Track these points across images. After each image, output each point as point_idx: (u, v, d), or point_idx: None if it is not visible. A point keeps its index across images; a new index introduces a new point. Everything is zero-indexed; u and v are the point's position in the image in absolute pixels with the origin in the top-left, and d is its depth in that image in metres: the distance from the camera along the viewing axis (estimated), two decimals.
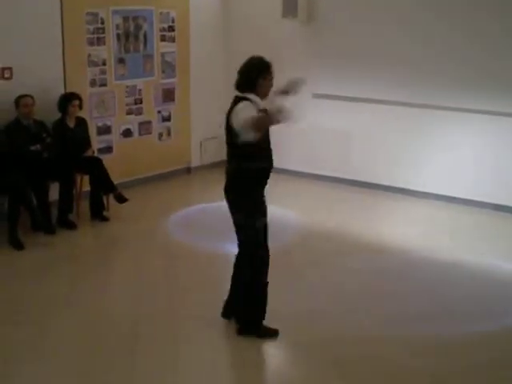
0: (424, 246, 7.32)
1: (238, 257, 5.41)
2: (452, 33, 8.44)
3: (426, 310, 5.91)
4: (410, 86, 8.75)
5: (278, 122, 4.87)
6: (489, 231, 7.88)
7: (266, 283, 5.36)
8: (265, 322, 5.40)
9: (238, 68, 5.31)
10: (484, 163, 8.50)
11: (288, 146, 9.98)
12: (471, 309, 5.98)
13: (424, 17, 8.58)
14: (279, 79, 9.91)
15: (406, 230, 7.78)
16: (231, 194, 5.24)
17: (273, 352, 5.38)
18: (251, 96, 5.10)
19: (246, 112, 4.91)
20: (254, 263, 5.28)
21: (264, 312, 5.37)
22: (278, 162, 10.10)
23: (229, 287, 5.57)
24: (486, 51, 8.25)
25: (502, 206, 8.41)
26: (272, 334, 5.37)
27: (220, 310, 5.66)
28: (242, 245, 5.32)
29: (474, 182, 8.57)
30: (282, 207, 8.55)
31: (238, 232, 5.29)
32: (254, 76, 5.19)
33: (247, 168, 5.13)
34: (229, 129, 5.08)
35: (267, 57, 9.78)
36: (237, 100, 5.10)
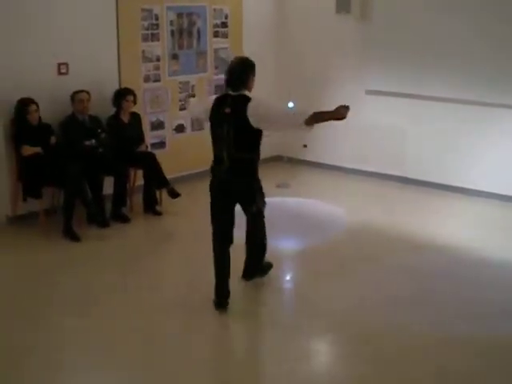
0: (476, 245, 7.21)
1: (253, 224, 6.05)
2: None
3: (478, 310, 5.83)
4: (465, 83, 8.62)
5: (342, 117, 5.30)
6: None
7: None
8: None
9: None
10: None
11: (341, 143, 9.97)
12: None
13: (487, 12, 8.42)
14: (333, 75, 9.95)
15: (458, 229, 7.68)
16: (247, 177, 5.73)
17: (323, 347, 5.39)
18: (247, 92, 5.53)
19: (276, 105, 5.71)
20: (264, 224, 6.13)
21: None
22: (330, 158, 10.22)
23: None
24: None
25: None
26: (269, 265, 6.34)
27: (268, 304, 5.67)
28: (259, 214, 6.01)
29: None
30: (334, 204, 8.54)
31: (251, 206, 5.86)
32: (248, 74, 5.57)
33: (259, 156, 5.80)
34: (244, 123, 5.41)
35: (321, 54, 9.88)
36: (241, 98, 5.46)
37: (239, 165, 5.60)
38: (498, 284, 6.38)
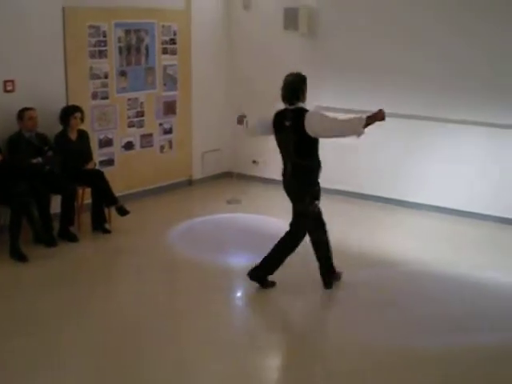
0: (424, 258, 7.30)
1: (297, 224, 6.44)
2: (456, 44, 8.47)
3: (426, 323, 5.89)
4: (411, 98, 8.77)
5: (383, 119, 5.97)
6: (489, 244, 7.86)
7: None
8: None
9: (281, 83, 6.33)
10: (485, 175, 8.51)
11: None
12: (472, 322, 5.96)
13: (427, 28, 8.62)
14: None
15: (407, 243, 7.77)
16: (303, 187, 6.28)
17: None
18: (302, 105, 6.15)
19: (330, 115, 6.14)
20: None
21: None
22: (278, 174, 10.21)
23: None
24: (491, 65, 8.28)
25: (503, 218, 8.41)
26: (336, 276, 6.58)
27: (221, 321, 5.66)
28: (299, 229, 6.44)
29: (476, 193, 8.57)
30: (284, 219, 8.54)
31: (300, 217, 6.36)
32: (301, 88, 6.19)
33: (318, 163, 6.27)
34: (302, 133, 6.02)
35: (269, 69, 9.97)
36: (298, 111, 6.08)
37: (300, 170, 6.21)
38: (449, 296, 6.46)
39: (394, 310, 6.12)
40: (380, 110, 5.96)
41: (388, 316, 6.03)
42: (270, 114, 6.35)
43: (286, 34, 9.57)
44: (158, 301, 6.27)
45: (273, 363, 5.46)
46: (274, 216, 8.71)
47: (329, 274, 6.48)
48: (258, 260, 6.94)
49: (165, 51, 9.42)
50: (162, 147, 9.63)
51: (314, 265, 6.57)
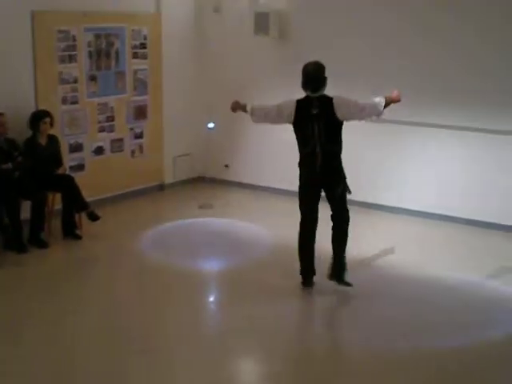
0: (395, 260, 7.34)
1: (337, 208, 6.49)
2: (428, 47, 8.53)
3: (398, 325, 5.92)
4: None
5: (399, 100, 6.30)
6: (459, 245, 7.92)
7: None
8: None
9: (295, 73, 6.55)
10: (455, 178, 8.58)
11: (262, 163, 10.03)
12: (442, 322, 5.99)
13: (401, 29, 8.68)
14: (254, 95, 10.04)
15: (379, 245, 7.80)
16: (337, 172, 6.39)
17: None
18: (325, 92, 6.33)
19: (353, 99, 6.32)
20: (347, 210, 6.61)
21: None
22: (252, 178, 10.28)
23: None
24: (465, 67, 8.33)
25: (472, 220, 8.48)
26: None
27: (193, 326, 5.67)
28: (342, 199, 6.47)
29: (445, 196, 8.64)
30: (256, 223, 8.56)
31: (336, 190, 6.40)
32: (324, 76, 6.36)
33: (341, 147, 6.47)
34: (332, 119, 6.22)
35: (240, 73, 10.00)
36: (324, 98, 6.28)
37: (330, 156, 6.31)
38: (419, 297, 6.50)
39: (365, 313, 6.14)
40: (396, 92, 6.27)
41: (359, 318, 6.05)
42: (288, 101, 6.41)
43: (257, 37, 9.57)
44: (130, 306, 6.24)
45: (247, 367, 5.45)
46: (246, 220, 8.72)
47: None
48: (229, 264, 6.97)
49: (135, 55, 9.39)
50: (132, 152, 9.58)
51: (290, 266, 6.57)
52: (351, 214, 6.59)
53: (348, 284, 6.51)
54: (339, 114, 6.23)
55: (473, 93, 8.29)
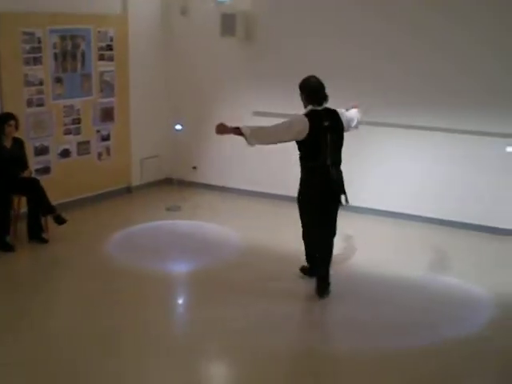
0: (365, 260, 7.39)
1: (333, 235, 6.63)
2: (403, 43, 8.57)
3: (366, 324, 5.96)
4: (346, 102, 8.80)
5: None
6: (430, 246, 8.00)
7: None
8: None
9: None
10: (425, 178, 8.68)
11: (230, 165, 10.03)
12: (411, 321, 6.05)
13: (368, 26, 8.72)
14: (221, 97, 10.05)
15: (348, 245, 7.84)
16: (342, 181, 6.54)
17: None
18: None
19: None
20: None
21: None
22: (220, 180, 10.29)
23: None
24: (437, 64, 8.40)
25: (440, 219, 8.58)
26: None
27: (162, 329, 5.66)
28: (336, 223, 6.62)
29: (416, 196, 8.74)
30: (225, 225, 8.56)
31: (342, 197, 6.57)
32: (325, 90, 6.46)
33: None
34: (341, 130, 6.50)
35: (207, 74, 9.99)
36: (330, 111, 6.45)
37: (337, 165, 6.50)
38: (389, 296, 6.55)
39: (335, 313, 6.17)
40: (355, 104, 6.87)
41: (329, 319, 6.08)
42: (297, 117, 6.36)
43: (224, 39, 9.57)
44: (97, 310, 6.19)
45: (217, 370, 5.45)
46: (214, 222, 8.71)
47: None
48: (197, 266, 6.97)
49: (101, 57, 9.32)
50: (99, 154, 9.52)
51: (259, 267, 6.58)
52: None
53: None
54: (346, 125, 6.53)
55: (449, 93, 8.40)
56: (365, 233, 8.39)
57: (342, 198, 6.54)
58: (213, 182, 10.26)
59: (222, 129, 6.41)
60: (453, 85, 8.31)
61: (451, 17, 8.23)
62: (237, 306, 6.29)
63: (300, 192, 6.54)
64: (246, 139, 6.38)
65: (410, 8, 8.45)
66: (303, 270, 6.92)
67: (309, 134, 6.27)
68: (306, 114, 6.34)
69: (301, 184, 6.53)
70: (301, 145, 6.39)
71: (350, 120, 6.69)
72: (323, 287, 6.48)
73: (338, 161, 6.47)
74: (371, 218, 8.90)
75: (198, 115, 10.20)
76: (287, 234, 7.91)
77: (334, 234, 6.60)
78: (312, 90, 6.40)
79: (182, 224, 8.69)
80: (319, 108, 6.37)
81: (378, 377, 5.15)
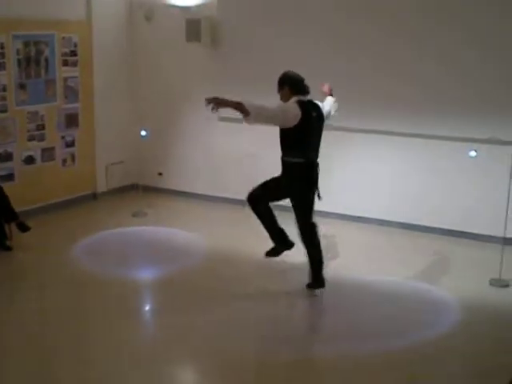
0: (334, 266, 7.40)
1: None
2: (381, 41, 8.54)
3: (335, 331, 5.98)
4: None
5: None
6: (399, 250, 8.04)
7: None
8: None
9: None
10: (392, 183, 8.74)
11: (196, 170, 10.02)
12: (381, 328, 6.08)
13: (337, 25, 8.74)
14: (187, 103, 10.01)
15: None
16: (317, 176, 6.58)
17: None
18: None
19: None
20: None
21: None
22: (186, 186, 10.25)
23: None
24: (419, 68, 8.34)
25: (409, 224, 8.64)
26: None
27: (127, 336, 5.64)
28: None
29: (384, 201, 8.80)
30: (191, 231, 8.54)
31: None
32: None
33: None
34: (323, 122, 6.60)
35: (172, 80, 9.95)
36: (313, 102, 6.52)
37: (317, 157, 6.57)
38: (358, 303, 6.59)
39: (305, 321, 6.18)
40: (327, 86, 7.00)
41: (299, 327, 6.08)
42: (289, 103, 6.38)
43: (189, 45, 9.55)
44: (63, 319, 6.13)
45: (185, 377, 5.43)
46: (180, 228, 8.69)
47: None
48: (164, 273, 6.95)
49: (65, 63, 9.24)
50: (64, 161, 9.44)
51: (225, 273, 6.56)
52: (285, 221, 6.65)
53: None
54: (326, 116, 6.66)
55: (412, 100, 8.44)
56: (337, 238, 8.39)
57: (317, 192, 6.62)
58: (179, 188, 10.23)
59: (220, 101, 6.11)
60: (437, 90, 8.32)
61: (434, 17, 8.18)
62: (203, 312, 6.27)
63: (291, 185, 6.54)
64: (247, 117, 6.14)
65: (387, 7, 8.44)
66: (269, 252, 6.88)
67: (300, 122, 6.26)
68: (297, 101, 6.32)
69: (286, 174, 6.53)
70: (288, 134, 6.33)
71: (328, 113, 6.80)
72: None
73: (318, 153, 6.57)
74: (345, 224, 8.92)
75: (163, 121, 10.17)
76: (254, 240, 7.91)
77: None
78: (295, 81, 6.46)
79: (148, 230, 8.66)
80: (305, 99, 6.41)
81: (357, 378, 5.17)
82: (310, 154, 6.47)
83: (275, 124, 6.38)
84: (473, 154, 7.56)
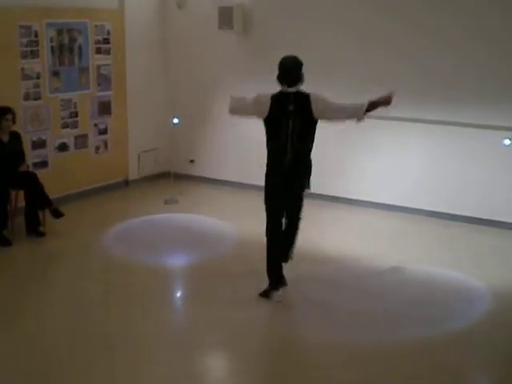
0: (362, 253, 7.40)
1: (291, 224, 6.40)
2: (399, 35, 8.56)
3: (365, 318, 5.97)
4: (350, 94, 8.75)
5: (389, 103, 6.09)
6: (425, 237, 8.02)
7: None
8: None
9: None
10: (419, 171, 8.68)
11: (227, 158, 10.03)
12: (411, 315, 6.05)
13: (366, 21, 8.70)
14: (220, 89, 10.00)
15: (345, 238, 7.86)
16: (305, 170, 6.26)
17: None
18: (302, 88, 6.09)
19: (331, 99, 6.07)
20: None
21: None
22: (217, 173, 10.27)
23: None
24: (431, 57, 8.37)
25: (437, 212, 8.58)
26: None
27: (160, 323, 5.68)
28: (298, 217, 6.40)
29: (411, 189, 8.74)
30: (222, 218, 8.56)
31: (298, 204, 6.33)
32: (301, 71, 6.12)
33: (313, 144, 6.25)
34: (308, 117, 6.02)
35: (205, 68, 9.95)
36: (301, 94, 6.06)
37: (300, 155, 6.13)
38: (387, 289, 6.57)
39: (333, 307, 6.18)
40: (387, 94, 6.05)
41: (327, 312, 6.08)
42: (262, 96, 6.17)
43: (221, 32, 9.55)
44: (95, 304, 6.19)
45: (217, 363, 5.47)
46: (212, 215, 8.71)
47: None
48: (195, 259, 6.96)
49: (98, 51, 9.31)
50: (97, 148, 9.52)
51: (257, 261, 6.56)
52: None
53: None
54: (316, 112, 6.00)
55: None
56: (366, 226, 8.40)
57: (297, 187, 6.21)
58: (210, 176, 10.26)
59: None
60: (450, 78, 8.30)
61: (447, 10, 8.21)
62: (234, 300, 6.29)
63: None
64: (229, 110, 6.45)
65: (411, 6, 8.46)
66: (263, 294, 6.38)
67: (268, 115, 6.08)
68: (272, 95, 6.11)
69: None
70: (264, 125, 6.20)
71: (336, 109, 6.09)
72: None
73: (300, 148, 6.09)
74: (368, 211, 8.90)
75: (195, 108, 10.19)
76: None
77: (289, 225, 6.40)
78: (281, 70, 6.12)
79: (180, 217, 8.70)
80: (289, 90, 6.05)
81: (375, 367, 5.17)
82: (280, 146, 6.10)
83: (248, 113, 6.36)
84: (507, 142, 7.47)
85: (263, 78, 9.41)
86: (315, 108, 6.01)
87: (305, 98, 6.03)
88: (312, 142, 6.21)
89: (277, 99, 6.08)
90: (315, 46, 8.94)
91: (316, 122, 6.11)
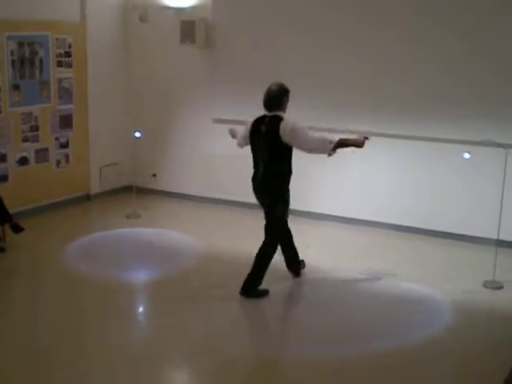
0: (323, 267, 7.41)
1: (266, 229, 6.70)
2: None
3: (323, 332, 5.97)
4: (305, 110, 8.78)
5: (361, 146, 6.37)
6: (393, 252, 8.04)
7: None
8: None
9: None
10: (381, 185, 8.74)
11: (189, 172, 10.01)
12: (373, 330, 6.07)
13: (334, 29, 8.74)
14: (182, 104, 10.02)
15: (305, 252, 7.86)
16: (275, 193, 6.50)
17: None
18: (281, 113, 6.40)
19: (305, 129, 6.30)
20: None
21: None
22: (180, 187, 10.26)
23: None
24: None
25: (401, 226, 8.65)
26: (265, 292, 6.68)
27: (123, 338, 5.59)
28: (273, 220, 6.66)
29: (376, 203, 8.80)
30: (184, 232, 8.53)
31: (270, 223, 6.63)
32: (282, 98, 6.44)
33: (289, 169, 6.51)
34: (276, 139, 6.29)
35: (167, 82, 9.95)
36: (275, 118, 6.35)
37: (270, 175, 6.43)
38: (347, 303, 6.59)
39: (291, 320, 6.18)
40: (363, 139, 6.35)
41: (286, 326, 6.08)
42: (248, 120, 6.65)
43: (183, 46, 9.54)
44: (56, 320, 6.11)
45: (179, 378, 5.42)
46: (174, 229, 8.68)
47: (255, 285, 6.59)
48: (158, 274, 6.92)
49: (60, 64, 9.24)
50: (58, 162, 9.42)
51: (220, 274, 6.53)
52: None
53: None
54: (283, 138, 6.27)
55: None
56: (332, 240, 8.42)
57: (266, 206, 6.59)
58: (173, 190, 10.22)
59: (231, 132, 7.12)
60: (409, 94, 8.37)
61: (433, 18, 8.21)
62: (198, 313, 6.26)
63: None
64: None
65: (389, 10, 8.46)
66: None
67: (249, 135, 6.58)
68: (255, 118, 6.58)
69: None
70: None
71: (304, 141, 6.29)
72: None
73: (270, 170, 6.43)
74: (339, 226, 8.91)
75: (158, 122, 10.17)
76: (247, 240, 7.91)
77: (267, 244, 6.62)
78: (264, 95, 6.49)
79: (143, 232, 8.64)
80: (267, 114, 6.45)
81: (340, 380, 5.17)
82: (256, 166, 6.58)
83: (244, 140, 6.82)
84: (467, 156, 7.56)
85: (226, 92, 9.53)
86: (283, 133, 6.26)
87: (277, 123, 6.31)
88: (284, 164, 6.45)
89: (256, 121, 6.52)
90: (277, 60, 8.99)
91: (286, 146, 6.35)
